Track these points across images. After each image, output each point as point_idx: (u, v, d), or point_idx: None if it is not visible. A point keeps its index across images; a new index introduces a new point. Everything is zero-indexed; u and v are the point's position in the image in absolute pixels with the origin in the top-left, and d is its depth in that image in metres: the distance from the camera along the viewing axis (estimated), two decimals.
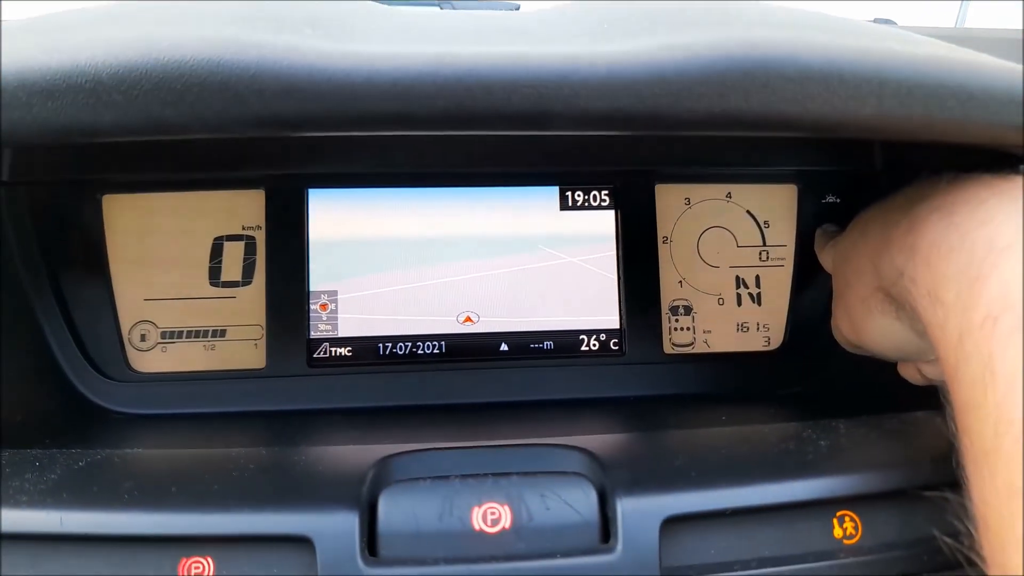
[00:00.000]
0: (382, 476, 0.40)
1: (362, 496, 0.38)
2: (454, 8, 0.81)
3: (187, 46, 0.30)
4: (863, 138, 0.35)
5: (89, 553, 0.36)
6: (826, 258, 0.56)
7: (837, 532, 0.40)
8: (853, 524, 0.40)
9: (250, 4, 0.36)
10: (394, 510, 0.38)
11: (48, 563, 0.36)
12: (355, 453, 0.44)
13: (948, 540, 0.35)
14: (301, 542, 0.36)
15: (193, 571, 0.36)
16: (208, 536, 0.36)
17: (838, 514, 0.40)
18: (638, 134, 0.33)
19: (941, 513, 0.37)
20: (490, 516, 0.38)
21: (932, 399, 0.48)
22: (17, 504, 0.37)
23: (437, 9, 0.78)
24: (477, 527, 0.37)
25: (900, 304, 0.42)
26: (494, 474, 0.40)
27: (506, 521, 0.38)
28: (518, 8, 0.82)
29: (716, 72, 0.31)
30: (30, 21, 0.38)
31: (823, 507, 0.40)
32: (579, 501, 0.38)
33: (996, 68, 0.36)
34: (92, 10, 0.37)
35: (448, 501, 0.38)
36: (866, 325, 0.47)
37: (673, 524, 0.38)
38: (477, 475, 0.40)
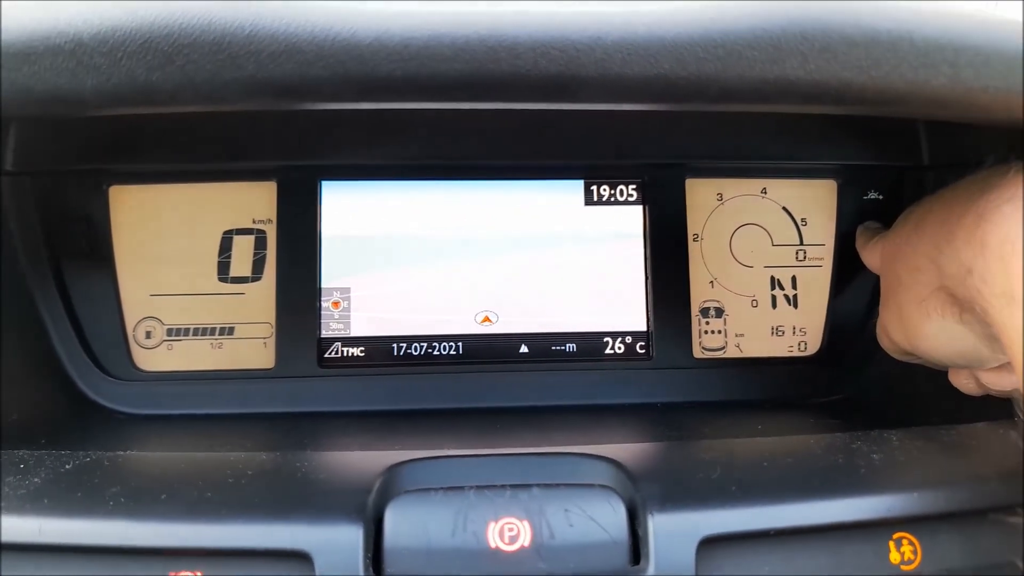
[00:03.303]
0: (390, 485, 0.38)
1: (367, 507, 0.36)
2: None
3: (176, 3, 0.27)
4: (927, 116, 0.31)
5: (69, 565, 0.34)
6: (872, 256, 0.53)
7: (894, 557, 0.37)
8: (912, 548, 0.37)
9: None
10: (402, 524, 0.35)
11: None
12: (363, 460, 0.42)
13: None
14: (299, 558, 0.34)
15: None
16: (198, 549, 0.34)
17: (895, 536, 0.37)
18: (678, 109, 0.30)
19: (1010, 537, 0.34)
20: (508, 532, 0.35)
21: (987, 410, 0.45)
22: None
23: None
24: (493, 544, 0.35)
25: (966, 305, 0.39)
26: (512, 485, 0.37)
27: (525, 538, 0.35)
28: None
29: (771, 34, 0.29)
30: None
31: (878, 528, 0.37)
32: (606, 517, 0.36)
33: None
34: None
35: (462, 515, 0.36)
36: (922, 329, 0.43)
37: (711, 545, 0.35)
38: (494, 486, 0.37)
